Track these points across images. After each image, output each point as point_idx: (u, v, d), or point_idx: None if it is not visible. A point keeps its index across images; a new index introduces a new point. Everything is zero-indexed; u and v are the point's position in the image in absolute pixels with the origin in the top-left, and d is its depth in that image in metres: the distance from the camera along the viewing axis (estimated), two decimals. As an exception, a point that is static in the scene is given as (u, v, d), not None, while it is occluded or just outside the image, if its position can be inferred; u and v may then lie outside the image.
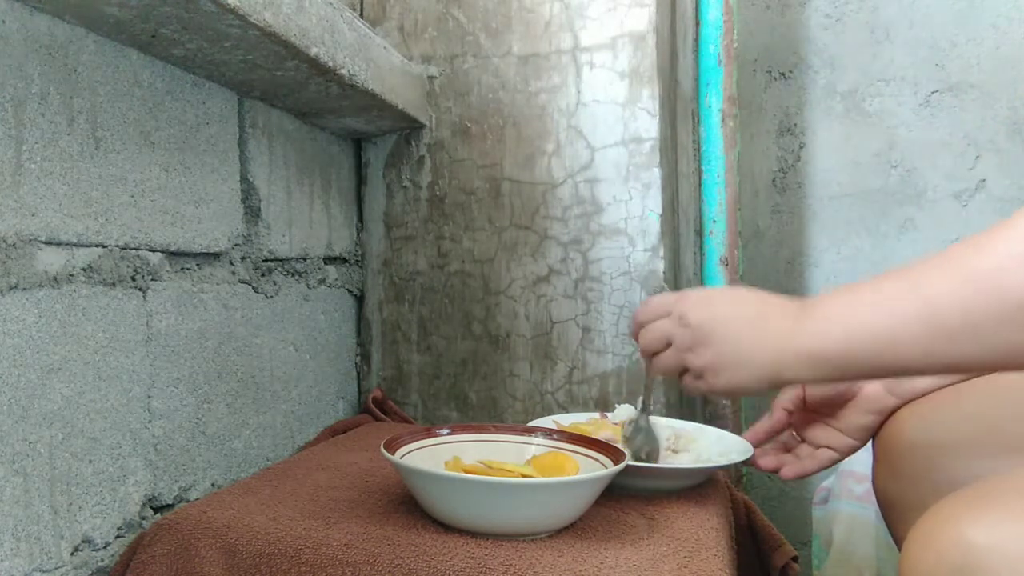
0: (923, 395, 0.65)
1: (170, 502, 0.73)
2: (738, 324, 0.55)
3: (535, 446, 0.73)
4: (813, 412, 0.73)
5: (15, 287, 0.56)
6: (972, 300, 0.43)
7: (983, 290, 0.42)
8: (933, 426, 0.61)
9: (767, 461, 0.74)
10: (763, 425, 0.76)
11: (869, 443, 0.71)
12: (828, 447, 0.71)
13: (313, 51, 0.73)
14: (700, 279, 1.25)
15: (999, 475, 0.44)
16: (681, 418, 0.96)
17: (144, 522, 0.69)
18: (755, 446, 0.76)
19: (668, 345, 0.61)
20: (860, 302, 0.48)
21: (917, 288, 0.45)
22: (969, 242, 0.44)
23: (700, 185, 1.26)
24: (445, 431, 0.73)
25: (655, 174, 0.98)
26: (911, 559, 0.42)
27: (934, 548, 0.41)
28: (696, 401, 1.21)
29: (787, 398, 0.73)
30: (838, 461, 0.71)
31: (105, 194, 0.65)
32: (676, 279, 1.06)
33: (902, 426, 0.64)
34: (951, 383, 0.64)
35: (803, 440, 0.74)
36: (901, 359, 0.46)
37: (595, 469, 0.65)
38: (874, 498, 0.82)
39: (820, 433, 0.72)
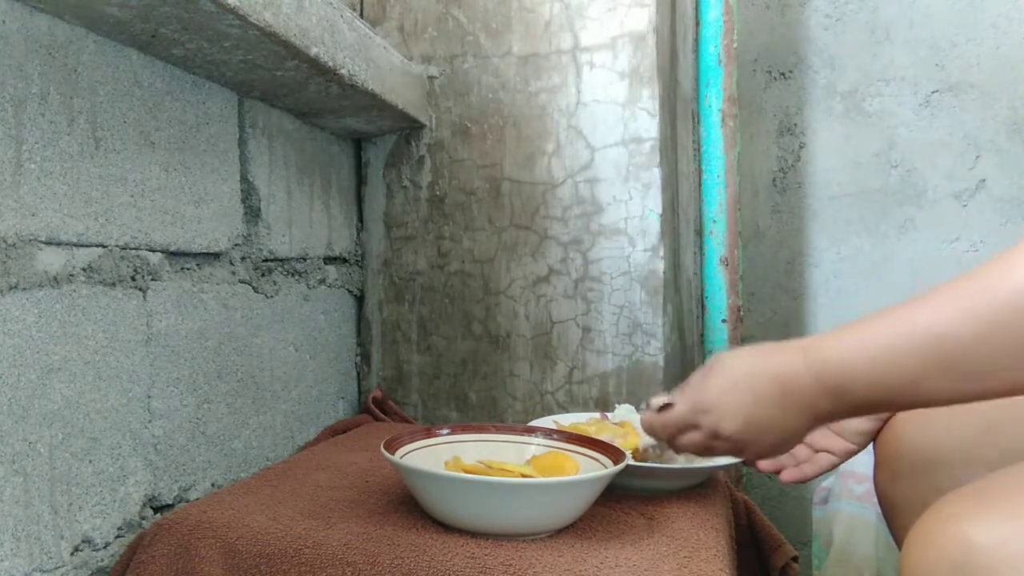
0: None
1: (170, 502, 0.72)
2: (768, 419, 0.54)
3: (535, 446, 0.73)
4: None
5: (15, 287, 0.56)
6: (988, 339, 0.43)
7: (988, 323, 0.43)
8: (933, 428, 0.61)
9: (766, 463, 0.74)
10: None
11: (870, 444, 0.71)
12: (827, 451, 0.71)
13: (313, 51, 0.73)
14: (700, 279, 1.25)
15: (999, 474, 0.44)
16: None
17: (144, 522, 0.69)
18: None
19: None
20: (872, 336, 0.48)
21: (929, 325, 0.45)
22: (979, 275, 0.44)
23: (700, 185, 1.26)
24: (445, 431, 0.73)
25: (655, 174, 0.98)
26: (912, 558, 0.42)
27: (935, 547, 0.41)
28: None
29: None
30: (837, 465, 0.71)
31: (105, 194, 0.65)
32: (676, 279, 1.06)
33: (903, 428, 0.64)
34: None
35: (802, 443, 0.74)
36: (913, 394, 0.46)
37: (595, 469, 0.65)
38: (874, 498, 0.82)
39: (819, 436, 0.72)
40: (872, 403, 0.49)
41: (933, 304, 0.46)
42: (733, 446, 0.57)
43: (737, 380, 0.55)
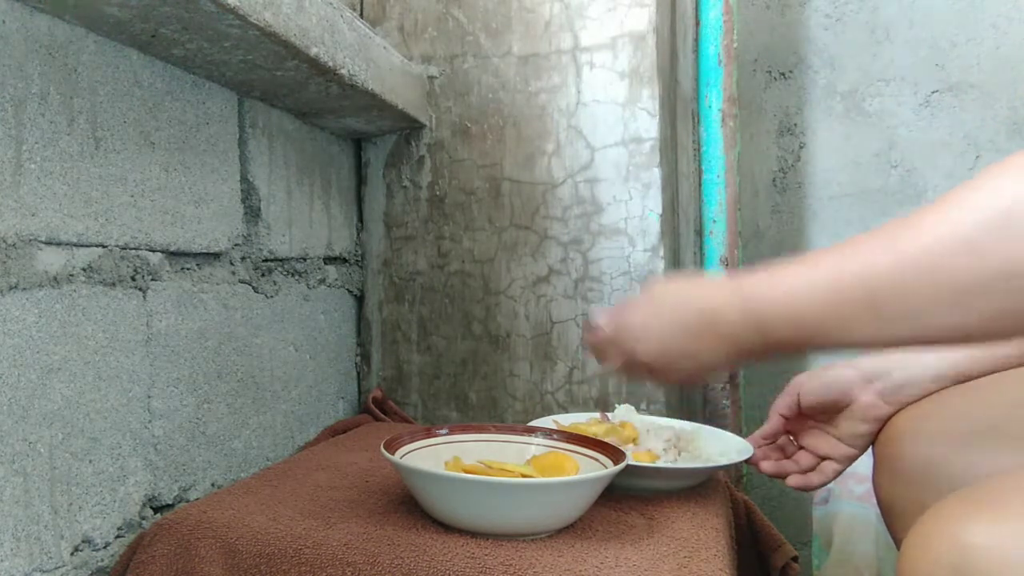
0: (918, 400, 0.65)
1: (170, 502, 0.72)
2: (687, 348, 0.54)
3: (535, 446, 0.72)
4: (810, 418, 0.73)
5: (15, 287, 0.56)
6: (913, 283, 0.43)
7: (915, 270, 0.43)
8: (931, 429, 0.61)
9: (768, 466, 0.74)
10: (761, 431, 0.76)
11: (870, 447, 0.71)
12: (828, 457, 0.71)
13: (313, 51, 0.73)
14: (700, 279, 1.25)
15: (997, 476, 0.44)
16: (681, 418, 0.96)
17: (144, 522, 0.69)
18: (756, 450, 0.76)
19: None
20: (806, 278, 0.48)
21: (858, 269, 0.45)
22: (905, 222, 0.44)
23: (700, 185, 1.26)
24: (445, 431, 0.73)
25: (655, 174, 0.98)
26: (909, 560, 0.42)
27: (932, 549, 0.41)
28: (696, 401, 1.21)
29: (783, 404, 0.73)
30: (841, 472, 0.71)
31: (105, 194, 0.65)
32: (676, 279, 1.06)
33: (901, 430, 0.64)
34: (946, 387, 0.64)
35: (802, 447, 0.74)
36: (838, 336, 0.46)
37: (595, 469, 0.65)
38: (875, 499, 0.82)
39: (819, 441, 0.72)
40: (794, 341, 0.49)
41: (863, 246, 0.45)
42: (648, 371, 0.57)
43: (663, 307, 0.55)
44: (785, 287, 0.49)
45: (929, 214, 0.43)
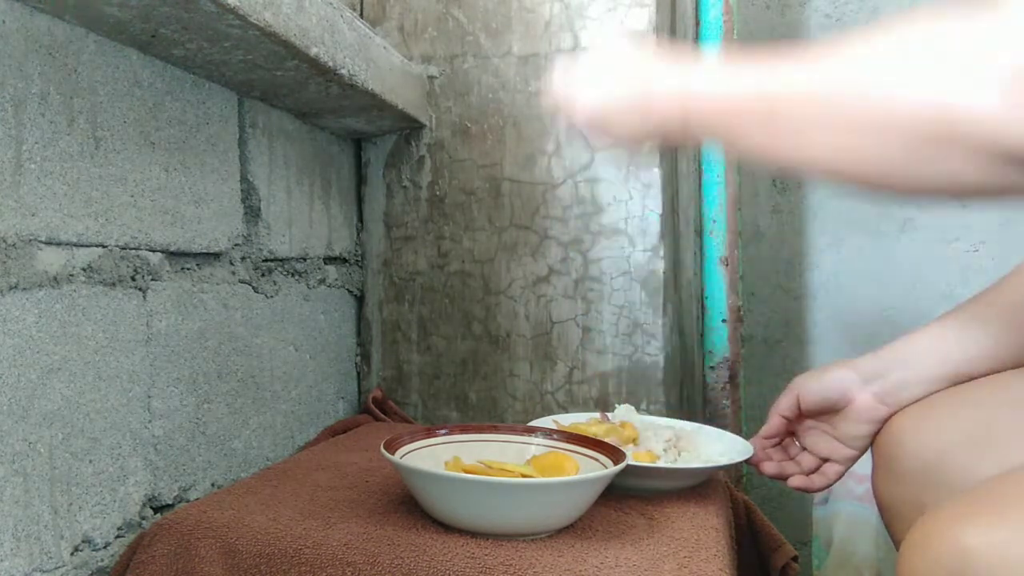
0: (916, 401, 0.65)
1: (170, 502, 0.73)
2: (625, 111, 0.56)
3: (535, 446, 0.73)
4: (810, 419, 0.73)
5: (15, 287, 0.56)
6: (808, 98, 0.44)
7: (818, 88, 0.43)
8: (932, 431, 0.61)
9: (770, 467, 0.74)
10: (763, 431, 0.76)
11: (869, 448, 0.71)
12: (830, 459, 0.71)
13: (313, 51, 0.73)
14: (700, 279, 1.25)
15: (996, 478, 0.44)
16: (681, 418, 0.96)
17: (144, 522, 0.69)
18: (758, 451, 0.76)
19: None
20: (729, 83, 0.50)
21: (764, 80, 0.46)
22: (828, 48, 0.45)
23: (700, 185, 1.26)
24: (445, 431, 0.73)
25: (655, 174, 0.98)
26: (908, 563, 0.42)
27: (931, 552, 0.41)
28: (696, 401, 1.21)
29: (784, 404, 0.73)
30: (843, 473, 0.71)
31: (105, 194, 0.65)
32: (676, 279, 1.06)
33: (899, 431, 0.64)
34: (943, 388, 0.64)
35: (804, 448, 0.74)
36: (741, 142, 0.48)
37: (595, 469, 0.65)
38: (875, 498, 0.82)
39: (820, 442, 0.72)
40: (707, 133, 0.53)
41: (782, 63, 0.46)
42: (583, 117, 0.59)
43: (617, 70, 0.57)
44: (707, 86, 0.51)
45: (843, 43, 0.44)
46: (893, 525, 0.64)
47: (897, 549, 0.61)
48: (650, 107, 0.54)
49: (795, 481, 0.72)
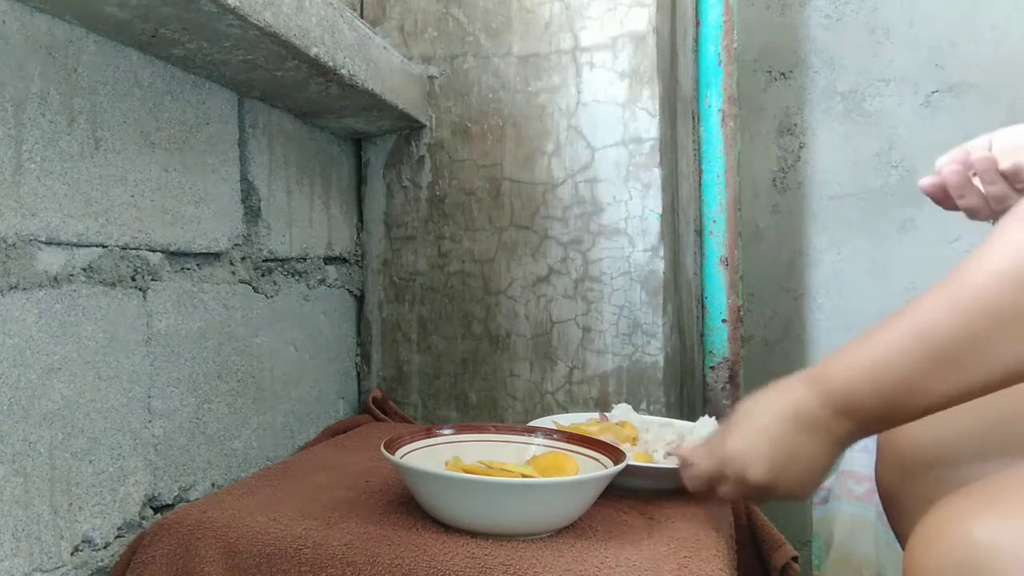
0: None
1: (170, 502, 0.73)
2: (789, 457, 0.54)
3: (535, 446, 0.72)
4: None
5: (15, 287, 0.56)
6: (970, 326, 0.44)
7: (969, 310, 0.44)
8: (939, 424, 0.61)
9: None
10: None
11: (870, 443, 0.71)
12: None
13: (313, 51, 0.73)
14: (700, 279, 1.25)
15: (1004, 472, 0.44)
16: (681, 418, 0.96)
17: (144, 522, 0.69)
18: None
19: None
20: (868, 347, 0.50)
21: (916, 323, 0.47)
22: (957, 269, 0.46)
23: (700, 185, 1.26)
24: (445, 431, 0.73)
25: (655, 174, 0.98)
26: (916, 556, 0.42)
27: (939, 545, 0.41)
28: (696, 401, 1.21)
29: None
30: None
31: (105, 194, 0.65)
32: (676, 279, 1.06)
33: (906, 425, 0.64)
34: None
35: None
36: (917, 394, 0.47)
37: (595, 469, 0.65)
38: (875, 498, 0.82)
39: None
40: (881, 414, 0.50)
41: (920, 304, 0.47)
42: (764, 490, 0.57)
43: (755, 427, 0.56)
44: (847, 362, 0.50)
45: (972, 259, 0.45)
46: (896, 518, 0.64)
47: (900, 543, 0.61)
48: (808, 430, 0.52)
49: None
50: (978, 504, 0.41)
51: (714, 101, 1.25)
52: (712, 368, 1.24)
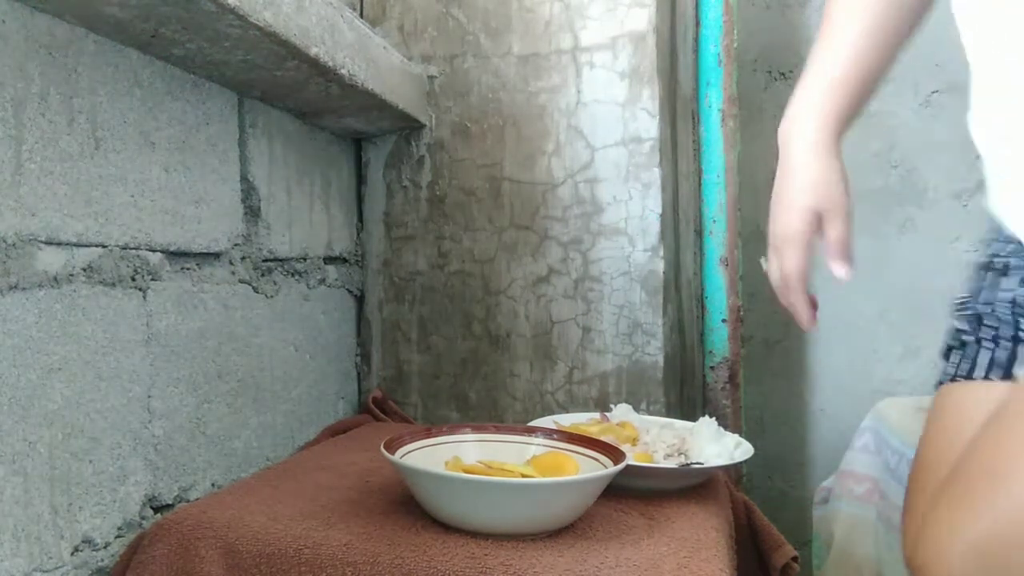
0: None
1: (170, 502, 0.73)
2: (794, 172, 0.68)
3: (535, 446, 0.73)
4: None
5: (15, 287, 0.56)
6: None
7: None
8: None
9: None
10: None
11: (870, 443, 0.71)
12: None
13: (313, 51, 0.73)
14: (700, 279, 1.25)
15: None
16: (681, 418, 0.96)
17: (144, 522, 0.69)
18: None
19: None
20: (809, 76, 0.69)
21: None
22: None
23: (700, 185, 1.26)
24: (445, 431, 0.73)
25: (655, 174, 0.98)
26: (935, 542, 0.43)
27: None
28: (696, 401, 1.21)
29: None
30: None
31: (105, 194, 0.65)
32: (676, 279, 1.06)
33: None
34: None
35: None
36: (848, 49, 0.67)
37: (595, 469, 0.65)
38: (875, 498, 0.81)
39: None
40: (845, 90, 0.67)
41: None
42: (832, 207, 0.66)
43: (789, 180, 0.67)
44: (806, 92, 0.69)
45: None
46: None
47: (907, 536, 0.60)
48: (790, 151, 0.67)
49: None
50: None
51: (714, 101, 1.25)
52: (712, 368, 1.24)
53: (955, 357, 0.63)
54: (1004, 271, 0.61)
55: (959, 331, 0.63)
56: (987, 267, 0.63)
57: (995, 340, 0.59)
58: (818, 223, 0.66)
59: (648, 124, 0.98)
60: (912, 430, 1.00)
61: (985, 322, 0.61)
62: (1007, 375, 0.58)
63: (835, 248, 0.65)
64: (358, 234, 1.12)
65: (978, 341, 0.61)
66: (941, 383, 0.64)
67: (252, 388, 0.86)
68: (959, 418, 0.59)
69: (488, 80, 1.04)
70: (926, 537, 0.51)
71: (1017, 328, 0.58)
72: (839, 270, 0.65)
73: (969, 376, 0.61)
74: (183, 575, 0.61)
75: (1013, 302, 0.59)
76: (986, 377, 0.59)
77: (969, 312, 0.63)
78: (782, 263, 0.66)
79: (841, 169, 0.68)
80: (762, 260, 0.71)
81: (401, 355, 1.10)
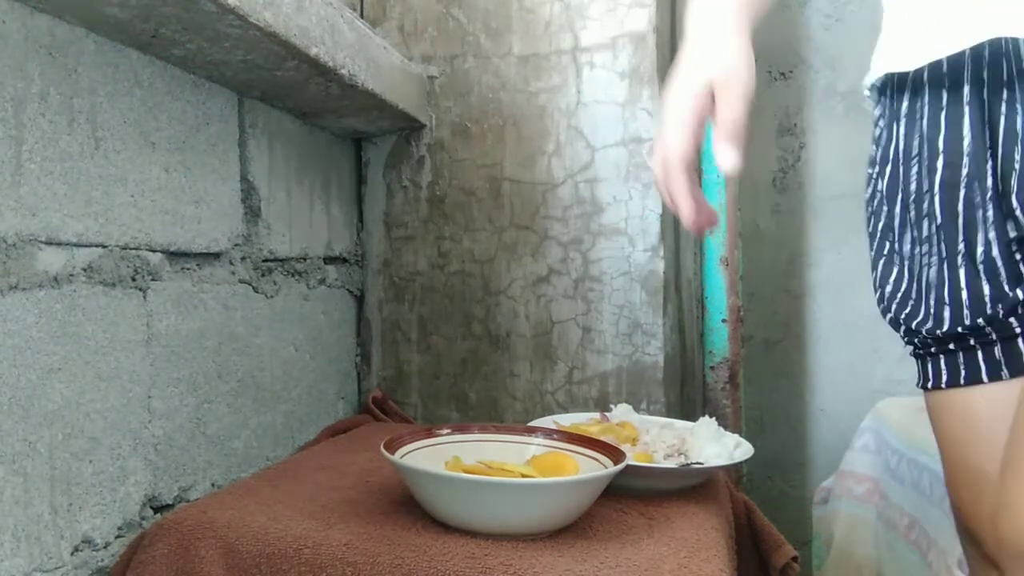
0: None
1: (170, 502, 0.73)
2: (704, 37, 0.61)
3: (535, 446, 0.72)
4: None
5: (15, 287, 0.56)
6: None
7: None
8: None
9: None
10: None
11: (870, 443, 0.71)
12: None
13: (313, 51, 0.73)
14: (700, 279, 1.25)
15: None
16: (681, 418, 0.96)
17: (144, 522, 0.69)
18: None
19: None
20: None
21: None
22: None
23: (700, 185, 1.26)
24: (445, 431, 0.73)
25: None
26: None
27: None
28: (696, 401, 1.21)
29: None
30: None
31: (105, 194, 0.65)
32: (676, 279, 1.06)
33: None
34: None
35: None
36: None
37: (595, 469, 0.65)
38: (875, 498, 0.81)
39: None
40: None
41: None
42: (704, 73, 0.59)
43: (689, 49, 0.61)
44: None
45: None
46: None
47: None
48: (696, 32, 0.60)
49: None
50: None
51: (714, 101, 1.24)
52: (712, 368, 1.24)
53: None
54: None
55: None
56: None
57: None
58: (711, 101, 0.58)
59: (648, 124, 0.98)
60: (912, 430, 1.00)
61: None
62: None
63: (725, 128, 0.56)
64: (358, 234, 1.12)
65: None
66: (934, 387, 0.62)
67: (252, 388, 0.86)
68: (975, 414, 0.59)
69: (488, 80, 1.04)
70: (1006, 512, 0.52)
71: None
72: (726, 157, 0.56)
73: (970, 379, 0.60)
74: (183, 575, 0.61)
75: None
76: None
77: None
78: (664, 141, 0.58)
79: (747, 49, 0.60)
80: (645, 150, 0.65)
81: (401, 355, 1.10)
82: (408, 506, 0.66)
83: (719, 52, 0.59)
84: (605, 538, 0.62)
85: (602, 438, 0.73)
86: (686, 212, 0.58)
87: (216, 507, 0.66)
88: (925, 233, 0.60)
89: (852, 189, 1.43)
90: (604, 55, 0.99)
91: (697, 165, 0.58)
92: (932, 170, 0.59)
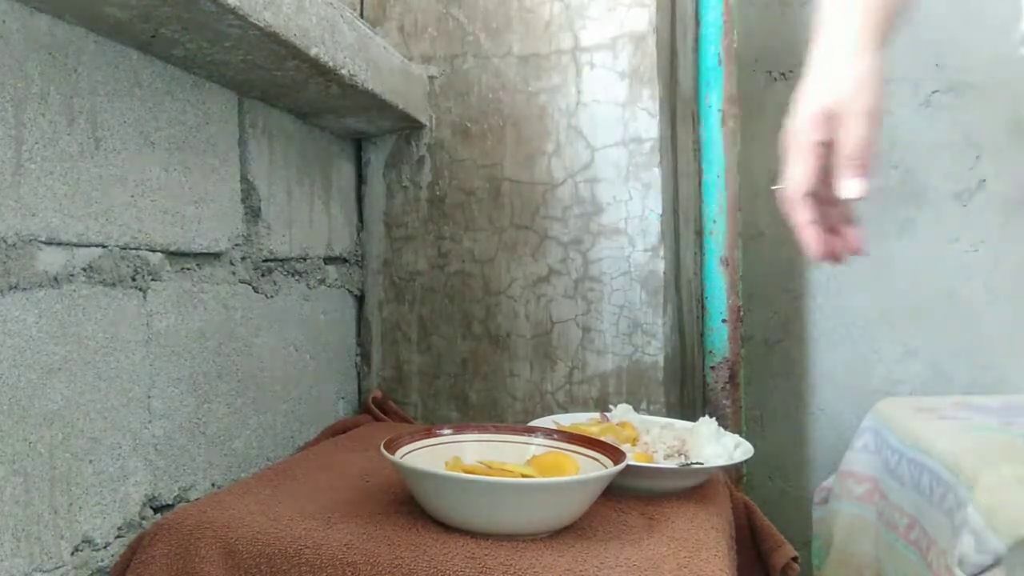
0: None
1: (170, 502, 0.73)
2: None
3: (535, 446, 0.73)
4: None
5: (15, 287, 0.56)
6: None
7: None
8: None
9: None
10: None
11: (870, 442, 0.70)
12: None
13: (313, 51, 0.73)
14: (700, 279, 1.25)
15: None
16: (681, 418, 0.96)
17: (144, 522, 0.69)
18: None
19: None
20: None
21: None
22: None
23: (700, 185, 1.26)
24: (445, 431, 0.73)
25: (655, 174, 0.98)
26: None
27: None
28: (696, 401, 1.21)
29: None
30: None
31: (105, 194, 0.65)
32: (676, 279, 1.06)
33: None
34: None
35: None
36: None
37: (595, 469, 0.65)
38: (875, 498, 0.81)
39: None
40: None
41: None
42: (820, 101, 0.58)
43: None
44: None
45: None
46: None
47: None
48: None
49: None
50: None
51: (714, 101, 1.25)
52: (712, 368, 1.24)
53: None
54: None
55: None
56: None
57: None
58: (831, 127, 0.56)
59: (648, 124, 0.98)
60: (912, 430, 1.00)
61: None
62: None
63: (846, 156, 0.54)
64: (358, 234, 1.12)
65: None
66: None
67: (252, 388, 0.86)
68: None
69: (488, 80, 1.04)
70: None
71: None
72: (849, 187, 0.53)
73: None
74: (183, 575, 0.61)
75: None
76: None
77: None
78: (788, 174, 0.58)
79: (874, 69, 0.57)
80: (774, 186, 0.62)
81: (401, 355, 1.10)
82: (408, 506, 0.66)
83: (839, 75, 0.57)
84: (605, 538, 0.62)
85: (602, 438, 0.73)
86: (810, 244, 0.59)
87: (216, 507, 0.66)
88: None
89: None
90: (604, 55, 0.99)
91: (820, 192, 0.56)
92: None
